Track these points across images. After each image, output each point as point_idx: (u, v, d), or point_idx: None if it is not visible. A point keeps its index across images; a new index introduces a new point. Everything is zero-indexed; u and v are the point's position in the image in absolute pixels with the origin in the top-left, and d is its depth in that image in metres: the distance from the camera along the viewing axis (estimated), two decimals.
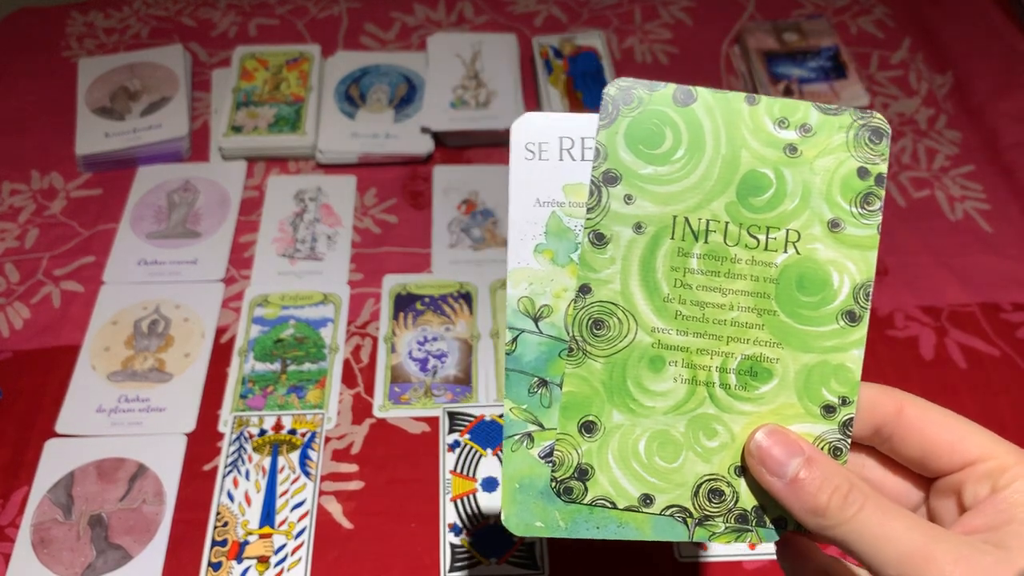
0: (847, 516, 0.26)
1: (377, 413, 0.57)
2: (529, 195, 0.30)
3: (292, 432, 0.56)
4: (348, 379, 0.59)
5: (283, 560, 0.50)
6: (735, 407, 0.30)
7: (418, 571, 0.51)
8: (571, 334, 0.30)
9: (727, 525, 0.30)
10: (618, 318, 0.30)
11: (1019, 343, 0.61)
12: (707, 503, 0.30)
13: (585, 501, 0.30)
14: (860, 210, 0.29)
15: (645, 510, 0.30)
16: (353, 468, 0.55)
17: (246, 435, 0.56)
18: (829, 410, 0.29)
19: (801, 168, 0.29)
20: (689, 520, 0.30)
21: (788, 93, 0.73)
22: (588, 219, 0.29)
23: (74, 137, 0.72)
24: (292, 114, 0.74)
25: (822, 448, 0.29)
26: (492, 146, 0.74)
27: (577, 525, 0.30)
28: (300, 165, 0.73)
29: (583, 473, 0.30)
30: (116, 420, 0.56)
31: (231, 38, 0.82)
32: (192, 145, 0.74)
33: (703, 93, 0.29)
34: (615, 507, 0.30)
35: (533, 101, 0.76)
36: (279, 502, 0.53)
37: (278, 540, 0.51)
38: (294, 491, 0.53)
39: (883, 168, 0.29)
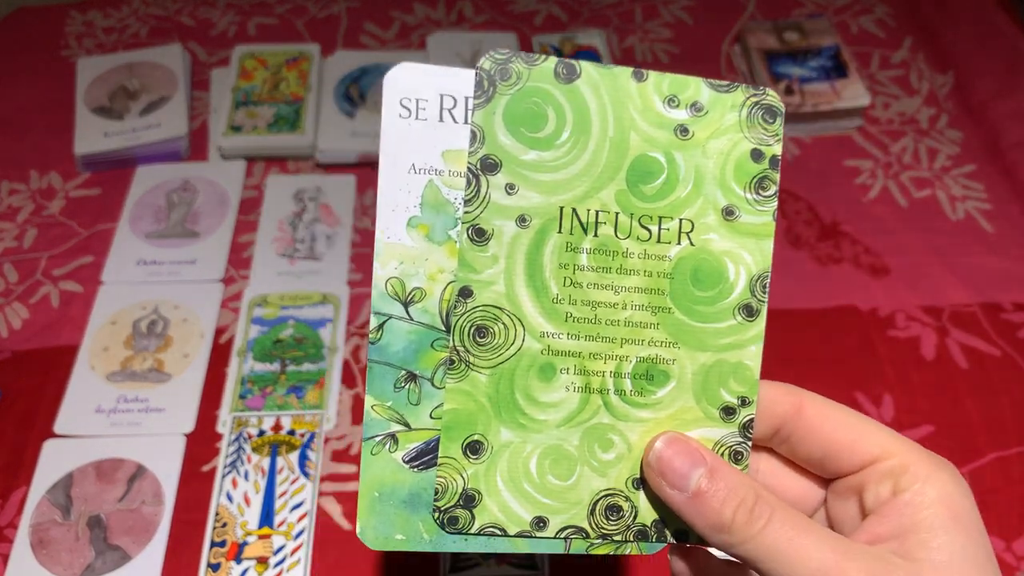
0: (753, 532, 0.25)
1: None
2: (403, 160, 0.26)
3: (291, 433, 0.56)
4: (347, 379, 0.59)
5: (282, 561, 0.50)
6: (631, 415, 0.27)
7: (418, 571, 0.50)
8: (452, 344, 0.27)
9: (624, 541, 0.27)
10: (503, 324, 0.27)
11: (1020, 343, 0.61)
12: (604, 521, 0.27)
13: (472, 531, 0.27)
14: (755, 196, 0.27)
15: (539, 535, 0.27)
16: (353, 469, 0.55)
17: (245, 436, 0.55)
18: (728, 412, 0.28)
19: (693, 151, 0.27)
20: (584, 541, 0.27)
21: (789, 92, 0.73)
22: (466, 212, 0.26)
23: (73, 137, 0.72)
24: (291, 113, 0.73)
25: (722, 453, 0.27)
26: None
27: (443, 537, 0.27)
28: (299, 165, 0.72)
29: (469, 500, 0.27)
30: (115, 420, 0.56)
31: (230, 37, 0.82)
32: (191, 145, 0.73)
33: (587, 68, 0.26)
34: (505, 534, 0.27)
35: None
36: (278, 503, 0.53)
37: (277, 541, 0.51)
38: (293, 492, 0.53)
39: (777, 150, 0.28)
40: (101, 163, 0.71)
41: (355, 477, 0.54)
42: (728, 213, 0.28)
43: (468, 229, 0.27)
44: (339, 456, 0.55)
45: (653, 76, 0.27)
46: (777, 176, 0.28)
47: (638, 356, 0.27)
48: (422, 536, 0.27)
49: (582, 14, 0.85)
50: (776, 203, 0.28)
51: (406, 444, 0.27)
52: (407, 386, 0.27)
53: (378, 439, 0.27)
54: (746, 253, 0.28)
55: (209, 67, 0.79)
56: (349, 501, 0.53)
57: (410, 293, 0.27)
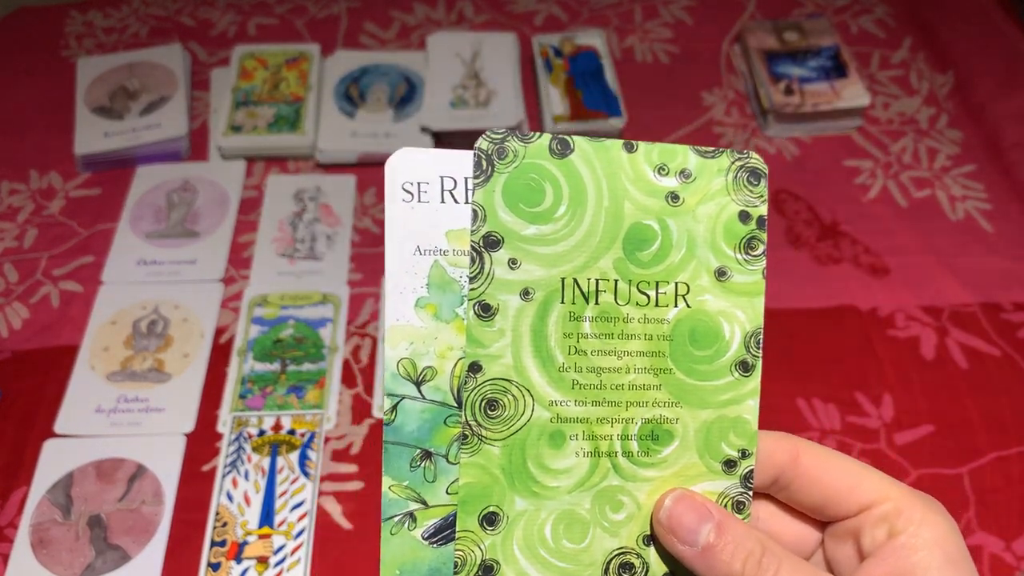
0: None
1: (377, 413, 0.57)
2: (408, 242, 0.27)
3: (291, 432, 0.56)
4: (347, 379, 0.59)
5: (282, 560, 0.50)
6: (639, 474, 0.28)
7: None
8: (464, 419, 0.27)
9: None
10: (513, 395, 0.27)
11: (1020, 343, 0.61)
12: None
13: None
14: (744, 256, 0.29)
15: None
16: (352, 468, 0.55)
17: (245, 435, 0.55)
18: (730, 465, 0.29)
19: (684, 217, 0.28)
20: None
21: (789, 92, 0.73)
22: (472, 289, 0.27)
23: (73, 137, 0.72)
24: (291, 113, 0.73)
25: (725, 504, 0.29)
26: None
27: None
28: (299, 165, 0.72)
29: (488, 570, 0.28)
30: (115, 420, 0.56)
31: (230, 37, 0.82)
32: (191, 144, 0.73)
33: (580, 142, 0.28)
34: None
35: (533, 100, 0.76)
36: (278, 502, 0.53)
37: (277, 540, 0.51)
38: (293, 491, 0.53)
39: (763, 210, 0.29)
40: (101, 163, 0.71)
41: (355, 476, 0.54)
42: (720, 274, 0.29)
43: (474, 305, 0.27)
44: (339, 456, 0.55)
45: (643, 147, 0.28)
46: (764, 236, 0.29)
47: (643, 418, 0.28)
48: None
49: (582, 14, 0.85)
50: (765, 262, 0.29)
51: (424, 521, 0.28)
52: (423, 464, 0.28)
53: (397, 519, 0.28)
54: (739, 311, 0.29)
55: (209, 67, 0.79)
56: (349, 501, 0.53)
57: (421, 372, 0.28)
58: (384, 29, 0.83)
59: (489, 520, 0.28)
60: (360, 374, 0.59)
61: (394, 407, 0.28)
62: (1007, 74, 0.77)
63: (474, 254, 0.27)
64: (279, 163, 0.72)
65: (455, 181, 0.27)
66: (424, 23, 0.84)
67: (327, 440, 0.56)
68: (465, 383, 0.27)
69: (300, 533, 0.51)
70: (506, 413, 0.28)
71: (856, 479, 0.28)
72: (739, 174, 0.29)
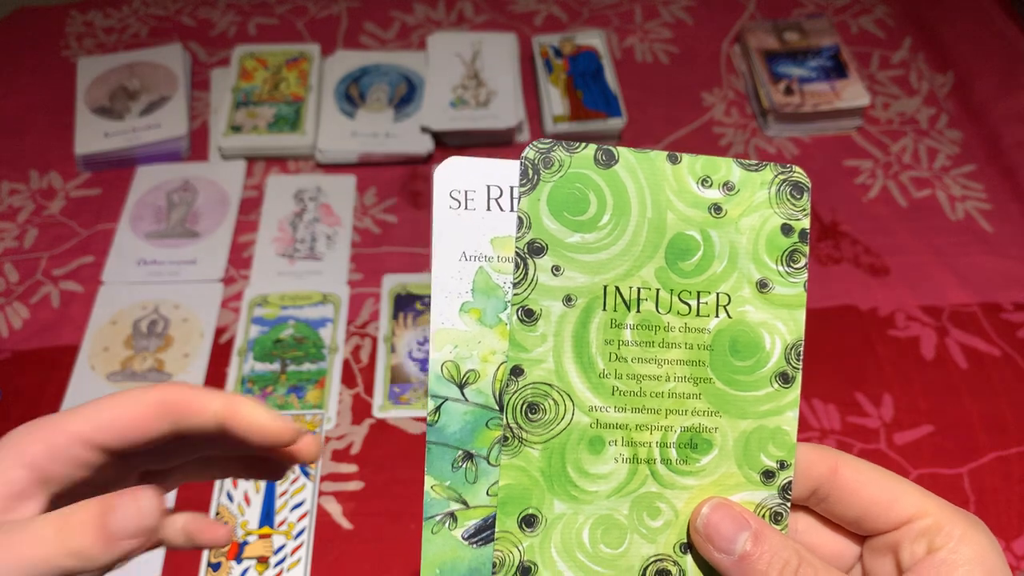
0: None
1: (377, 413, 0.57)
2: (454, 248, 0.28)
3: None
4: (348, 379, 0.59)
5: (282, 560, 0.50)
6: (677, 482, 0.29)
7: (417, 571, 0.50)
8: (505, 422, 0.28)
9: None
10: (553, 400, 0.28)
11: (1020, 343, 0.61)
12: None
13: None
14: (786, 268, 0.29)
15: None
16: (353, 468, 0.55)
17: None
18: (768, 476, 0.29)
19: (727, 228, 0.29)
20: None
21: (789, 92, 0.73)
22: (515, 294, 0.28)
23: (73, 137, 0.72)
24: (291, 113, 0.73)
25: (763, 515, 0.29)
26: (492, 146, 0.74)
27: None
28: (299, 165, 0.72)
29: (526, 571, 0.28)
30: None
31: (230, 37, 0.82)
32: (191, 145, 0.74)
33: (624, 153, 0.28)
34: None
35: (533, 100, 0.76)
36: (278, 502, 0.53)
37: (277, 540, 0.51)
38: (293, 491, 0.53)
39: (806, 224, 0.29)
40: (101, 163, 0.71)
41: (354, 477, 0.54)
42: (762, 286, 0.29)
43: (518, 310, 0.28)
44: (339, 456, 0.55)
45: (687, 159, 0.29)
46: (807, 249, 0.29)
47: (682, 426, 0.29)
48: None
49: (582, 14, 0.85)
50: (807, 274, 0.29)
51: (465, 522, 0.28)
52: (464, 465, 0.28)
53: (438, 518, 0.28)
54: (780, 323, 0.29)
55: (209, 67, 0.79)
56: (349, 501, 0.53)
57: (465, 375, 0.28)
58: (384, 29, 0.83)
59: (528, 522, 0.28)
60: (360, 374, 0.59)
61: (437, 408, 0.28)
62: (1007, 74, 0.77)
63: (519, 260, 0.28)
64: (279, 163, 0.72)
65: (501, 190, 0.28)
66: (424, 23, 0.84)
67: (327, 440, 0.56)
68: (507, 386, 0.28)
69: (300, 533, 0.51)
70: (547, 417, 0.28)
71: (895, 493, 0.28)
72: (782, 187, 0.29)
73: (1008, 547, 0.52)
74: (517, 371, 0.28)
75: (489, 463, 0.28)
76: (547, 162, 0.28)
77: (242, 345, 0.60)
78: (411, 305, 0.62)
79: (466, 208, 0.28)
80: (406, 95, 0.75)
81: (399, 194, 0.70)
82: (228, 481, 0.53)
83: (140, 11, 0.85)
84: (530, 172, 0.28)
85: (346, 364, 0.60)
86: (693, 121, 0.76)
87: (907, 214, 0.69)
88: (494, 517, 0.28)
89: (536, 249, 0.28)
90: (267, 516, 0.52)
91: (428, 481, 0.28)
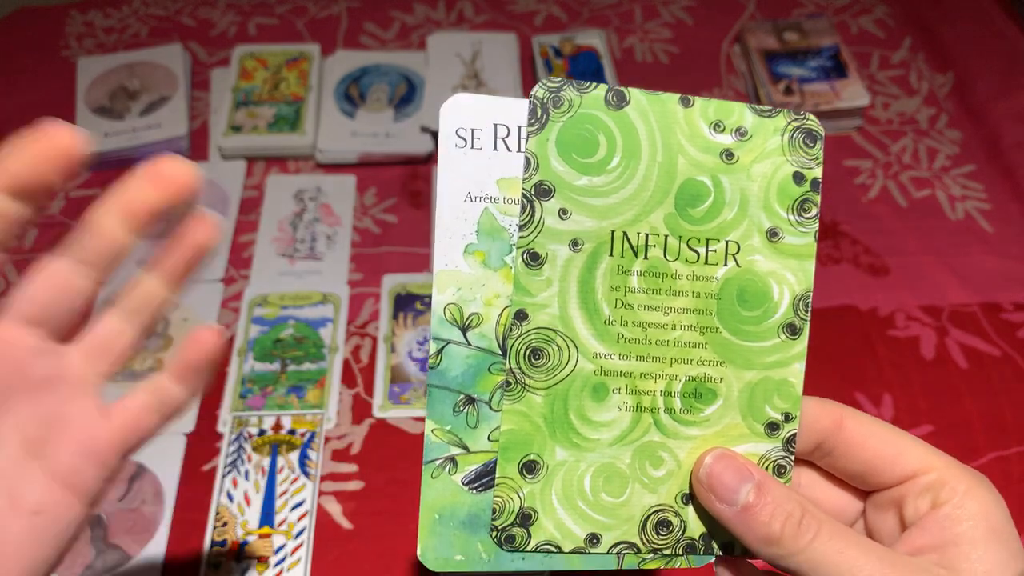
0: (801, 545, 0.26)
1: (377, 413, 0.57)
2: (459, 189, 0.27)
3: (291, 432, 0.56)
4: (348, 379, 0.59)
5: (283, 560, 0.50)
6: (681, 432, 0.28)
7: (417, 571, 0.50)
8: (508, 367, 0.27)
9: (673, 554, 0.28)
10: (557, 345, 0.28)
11: (1020, 343, 0.61)
12: (655, 536, 0.28)
13: (529, 548, 0.28)
14: (797, 217, 0.29)
15: (592, 551, 0.28)
16: (353, 468, 0.55)
17: (245, 435, 0.55)
18: (773, 428, 0.29)
19: (738, 175, 0.28)
20: (636, 556, 0.28)
21: (789, 92, 0.73)
22: (521, 237, 0.27)
23: None
24: (291, 113, 0.73)
25: (766, 467, 0.29)
26: None
27: (501, 556, 0.28)
28: (299, 165, 0.72)
29: (526, 518, 0.28)
30: None
31: (230, 37, 0.82)
32: (191, 145, 0.74)
33: (636, 95, 0.27)
34: (560, 551, 0.28)
35: None
36: (278, 502, 0.53)
37: (277, 540, 0.51)
38: (293, 491, 0.53)
39: (818, 173, 0.29)
40: (101, 163, 0.71)
41: (354, 477, 0.54)
42: (772, 235, 0.29)
43: (523, 253, 0.27)
44: (339, 456, 0.55)
45: (699, 102, 0.28)
46: (818, 198, 0.29)
47: (687, 375, 0.28)
48: (480, 556, 0.28)
49: (582, 14, 0.85)
50: (817, 224, 0.29)
51: (465, 467, 0.28)
52: (466, 409, 0.28)
53: (438, 463, 0.28)
54: (789, 273, 0.29)
55: (209, 67, 0.79)
56: (349, 501, 0.53)
57: (468, 318, 0.28)
58: (384, 29, 0.83)
59: (529, 468, 0.28)
60: (360, 374, 0.59)
61: (439, 351, 0.28)
62: (1007, 74, 0.77)
63: (525, 202, 0.27)
64: (279, 163, 0.72)
65: (508, 129, 0.27)
66: (424, 23, 0.84)
67: (327, 440, 0.56)
68: (511, 331, 0.27)
69: (300, 533, 0.51)
70: (550, 363, 0.28)
71: (900, 448, 0.28)
72: (795, 135, 0.28)
73: None
74: (521, 315, 0.27)
75: (491, 408, 0.28)
76: (557, 101, 0.27)
77: (242, 345, 0.60)
78: (411, 305, 0.62)
79: (472, 147, 0.27)
80: (406, 95, 0.75)
81: (399, 194, 0.70)
82: (228, 481, 0.53)
83: (140, 11, 0.85)
84: (539, 111, 0.27)
85: (346, 364, 0.60)
86: None
87: (907, 214, 0.69)
88: (495, 463, 0.28)
89: (543, 191, 0.27)
90: (267, 516, 0.52)
91: (428, 424, 0.28)
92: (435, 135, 0.72)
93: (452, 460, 0.28)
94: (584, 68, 0.76)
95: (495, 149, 0.27)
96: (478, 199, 0.27)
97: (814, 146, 0.29)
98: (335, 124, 0.73)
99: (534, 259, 0.27)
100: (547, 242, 0.27)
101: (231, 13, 0.85)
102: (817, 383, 0.59)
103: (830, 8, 0.85)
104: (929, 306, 0.63)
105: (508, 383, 0.28)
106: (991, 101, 0.75)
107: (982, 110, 0.75)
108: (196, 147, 0.74)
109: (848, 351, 0.61)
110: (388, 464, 0.55)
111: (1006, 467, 0.55)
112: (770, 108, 0.28)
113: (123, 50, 0.80)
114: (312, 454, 0.55)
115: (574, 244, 0.27)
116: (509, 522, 0.28)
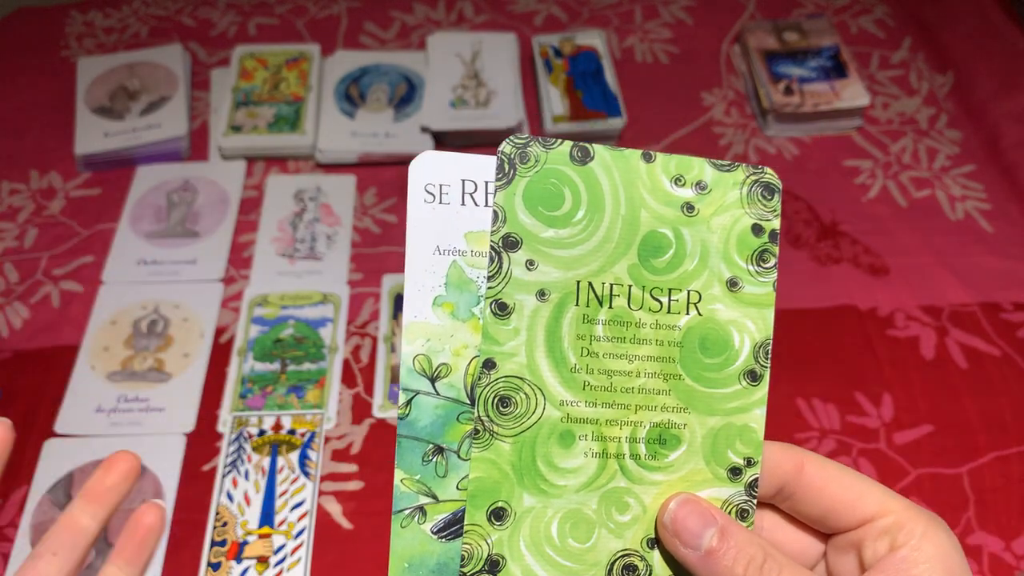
0: None
1: (377, 413, 0.57)
2: (428, 242, 0.28)
3: (291, 432, 0.56)
4: (348, 379, 0.59)
5: (282, 560, 0.50)
6: (646, 478, 0.29)
7: None
8: (476, 415, 0.28)
9: None
10: (525, 393, 0.28)
11: (1020, 343, 0.61)
12: None
13: None
14: (756, 268, 0.29)
15: None
16: (353, 468, 0.55)
17: (245, 435, 0.55)
18: (735, 472, 0.29)
19: (699, 227, 0.29)
20: None
21: (789, 92, 0.73)
22: (489, 287, 0.28)
23: (73, 137, 0.72)
24: (291, 113, 0.73)
25: (730, 512, 0.29)
26: (492, 146, 0.73)
27: None
28: (299, 164, 0.72)
29: (494, 565, 0.28)
30: (115, 420, 0.56)
31: (230, 37, 0.82)
32: (191, 144, 0.74)
33: (600, 151, 0.28)
34: None
35: (533, 100, 0.76)
36: (278, 502, 0.53)
37: (277, 540, 0.51)
38: (293, 491, 0.53)
39: (776, 224, 0.29)
40: (101, 163, 0.71)
41: (354, 477, 0.54)
42: (732, 284, 0.29)
43: (491, 303, 0.28)
44: (339, 456, 0.55)
45: (661, 157, 0.29)
46: (776, 249, 0.29)
47: (652, 421, 0.29)
48: None
49: (582, 14, 0.85)
50: (776, 274, 0.29)
51: (434, 516, 0.28)
52: (435, 459, 0.28)
53: (407, 512, 0.29)
54: (749, 322, 0.29)
55: (209, 67, 0.79)
56: (349, 501, 0.53)
57: (436, 369, 0.28)
58: (384, 29, 0.83)
59: (497, 515, 0.28)
60: (360, 374, 0.59)
61: (408, 402, 0.28)
62: (1007, 74, 0.77)
63: (493, 254, 0.28)
64: (279, 163, 0.72)
65: (475, 184, 0.28)
66: (424, 23, 0.84)
67: (327, 440, 0.56)
68: (479, 379, 0.28)
69: (300, 533, 0.51)
70: (518, 410, 0.28)
71: (859, 492, 0.28)
72: (754, 188, 0.29)
73: (1008, 547, 0.52)
74: (489, 364, 0.28)
75: (459, 457, 0.28)
76: (523, 157, 0.28)
77: (242, 345, 0.60)
78: None
79: (440, 202, 0.28)
80: (406, 95, 0.75)
81: (399, 194, 0.70)
82: (228, 480, 0.53)
83: (140, 11, 0.85)
84: (506, 166, 0.28)
85: (346, 364, 0.60)
86: (693, 121, 0.76)
87: (907, 214, 0.69)
88: (463, 511, 0.28)
89: (511, 243, 0.28)
90: (267, 516, 0.52)
91: (398, 475, 0.28)
92: (435, 135, 0.72)
93: (421, 509, 0.28)
94: (584, 68, 0.76)
95: (463, 204, 0.28)
96: (447, 252, 0.28)
97: (772, 199, 0.29)
98: (335, 124, 0.73)
99: (502, 309, 0.28)
100: (515, 292, 0.28)
101: (231, 13, 0.85)
102: (817, 383, 0.59)
103: (830, 8, 0.85)
104: (929, 306, 0.63)
105: (476, 431, 0.28)
106: (991, 101, 0.75)
107: (982, 110, 0.75)
108: (196, 147, 0.74)
109: (848, 351, 0.61)
110: (388, 464, 0.55)
111: (1006, 467, 0.55)
112: (729, 163, 0.29)
113: (123, 50, 0.80)
114: (312, 454, 0.55)
115: (541, 294, 0.28)
116: (478, 569, 0.28)
